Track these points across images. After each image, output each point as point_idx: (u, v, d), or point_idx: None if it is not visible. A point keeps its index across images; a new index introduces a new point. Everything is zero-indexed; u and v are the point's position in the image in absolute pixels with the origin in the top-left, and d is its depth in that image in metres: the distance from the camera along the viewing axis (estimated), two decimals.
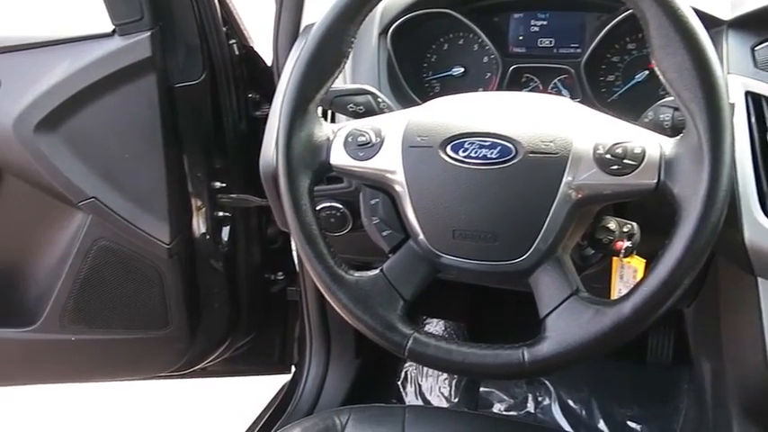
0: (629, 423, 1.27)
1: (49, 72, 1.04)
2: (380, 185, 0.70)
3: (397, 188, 0.68)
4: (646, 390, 1.28)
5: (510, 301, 1.12)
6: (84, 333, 1.19)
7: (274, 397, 1.43)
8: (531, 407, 1.31)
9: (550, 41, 0.91)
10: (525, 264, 0.64)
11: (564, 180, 0.62)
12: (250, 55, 1.18)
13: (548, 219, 0.62)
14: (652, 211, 0.65)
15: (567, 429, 1.24)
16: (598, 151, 0.62)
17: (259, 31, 1.20)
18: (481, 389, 1.34)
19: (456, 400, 1.34)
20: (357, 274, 0.70)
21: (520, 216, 0.63)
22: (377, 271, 0.70)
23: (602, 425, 1.27)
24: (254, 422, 1.37)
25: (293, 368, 1.41)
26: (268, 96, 1.17)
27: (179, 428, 1.73)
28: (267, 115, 0.95)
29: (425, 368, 1.36)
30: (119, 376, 1.34)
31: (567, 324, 0.62)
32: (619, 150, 0.61)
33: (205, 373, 1.40)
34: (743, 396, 0.84)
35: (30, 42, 1.07)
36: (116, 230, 1.11)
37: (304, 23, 1.05)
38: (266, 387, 1.57)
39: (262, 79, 1.17)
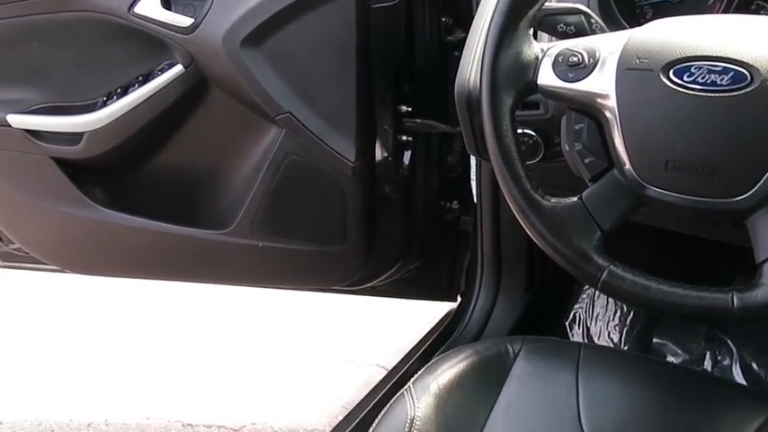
0: None
1: None
2: (588, 110, 0.67)
3: (607, 114, 0.64)
4: None
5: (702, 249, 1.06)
6: (271, 241, 1.27)
7: (439, 323, 1.47)
8: (708, 365, 1.24)
9: None
10: (745, 203, 0.59)
11: None
12: None
13: None
14: None
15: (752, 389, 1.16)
16: None
17: None
18: (655, 340, 1.28)
19: (626, 347, 1.30)
20: (554, 200, 0.68)
21: (747, 150, 0.58)
22: (575, 198, 0.67)
23: None
24: (418, 344, 1.42)
25: (459, 297, 1.43)
26: (461, 21, 1.16)
27: (343, 341, 1.82)
28: (459, 40, 0.94)
29: (595, 310, 1.33)
30: (298, 285, 1.43)
31: None
32: None
33: (374, 291, 1.45)
34: None
35: None
36: (306, 146, 1.16)
37: None
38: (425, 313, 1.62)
39: (456, 3, 1.16)
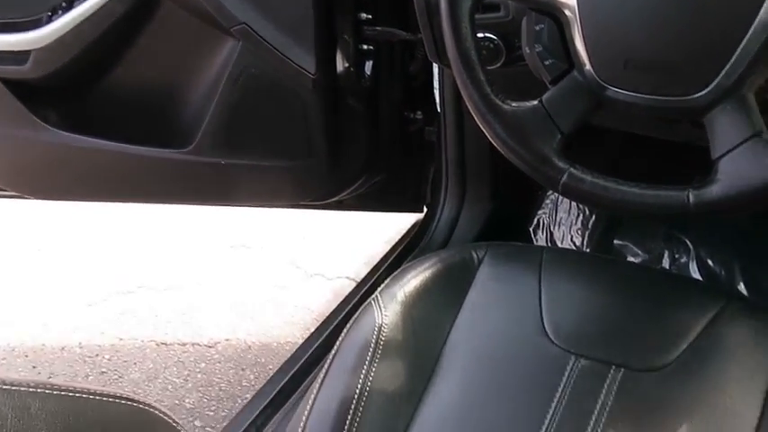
0: None
1: None
2: (548, 9, 0.65)
3: (567, 12, 0.63)
4: None
5: (659, 150, 1.07)
6: (233, 158, 1.25)
7: (406, 233, 1.48)
8: (666, 263, 1.28)
9: None
10: (703, 100, 0.59)
11: (766, 4, 0.55)
12: None
13: (738, 49, 0.56)
14: None
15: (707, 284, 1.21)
16: None
17: None
18: (616, 241, 1.32)
19: (588, 249, 1.33)
20: (515, 104, 0.68)
21: (706, 45, 0.58)
22: (535, 102, 0.67)
23: (741, 287, 1.23)
24: (386, 255, 1.43)
25: (426, 208, 1.44)
26: None
27: (313, 254, 1.84)
28: None
29: (558, 215, 1.35)
30: (263, 201, 1.42)
31: (743, 167, 0.58)
32: None
33: (341, 205, 1.46)
34: None
35: None
36: (264, 58, 1.12)
37: None
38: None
39: None
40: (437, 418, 0.78)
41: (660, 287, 0.85)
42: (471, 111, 0.69)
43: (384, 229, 1.81)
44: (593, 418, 0.73)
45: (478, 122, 0.69)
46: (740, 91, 0.58)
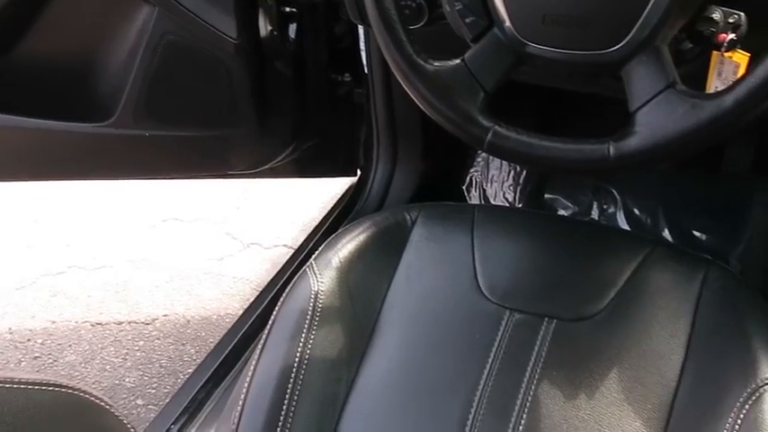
0: (694, 232, 1.27)
1: None
2: None
3: None
4: (716, 200, 1.26)
5: (585, 107, 1.09)
6: (158, 129, 1.21)
7: (340, 198, 1.48)
8: (595, 214, 1.32)
9: None
10: (619, 53, 0.60)
11: None
12: None
13: (650, 2, 0.57)
14: None
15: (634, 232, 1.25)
16: None
17: None
18: (546, 195, 1.34)
19: (520, 205, 1.36)
20: (437, 63, 0.67)
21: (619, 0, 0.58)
22: (458, 61, 0.67)
23: (666, 233, 1.28)
24: (321, 221, 1.43)
25: (359, 171, 1.43)
26: None
27: (249, 225, 1.82)
28: None
29: (490, 172, 1.37)
30: (193, 173, 1.39)
31: (659, 118, 0.59)
32: None
33: (273, 173, 1.44)
34: None
35: None
36: (183, 24, 1.08)
37: None
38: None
39: None
40: (378, 381, 0.79)
41: (588, 239, 0.87)
42: (394, 72, 0.68)
43: (320, 194, 1.80)
44: (529, 369, 0.75)
45: (402, 83, 0.68)
46: (654, 43, 0.59)
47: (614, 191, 1.31)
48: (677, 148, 0.59)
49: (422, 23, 0.86)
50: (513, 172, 1.35)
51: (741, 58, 0.65)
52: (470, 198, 1.39)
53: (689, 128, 0.58)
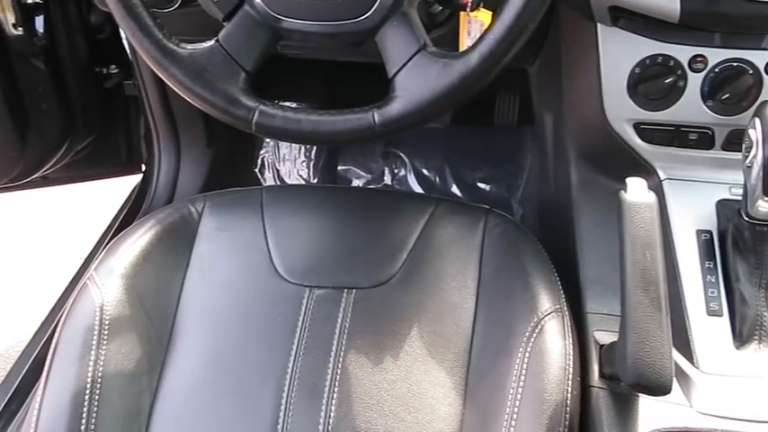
0: (478, 184, 1.35)
1: None
2: None
3: None
4: (494, 152, 1.35)
5: (363, 77, 1.10)
6: None
7: (128, 197, 1.38)
8: (387, 179, 1.35)
9: None
10: (370, 21, 0.61)
11: None
12: None
13: None
14: None
15: (419, 191, 1.29)
16: None
17: None
18: (339, 167, 1.35)
19: (315, 180, 1.36)
20: (191, 47, 0.64)
21: None
22: (212, 42, 0.64)
23: (454, 189, 1.34)
24: (111, 223, 1.33)
25: (143, 166, 1.35)
26: None
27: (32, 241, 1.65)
28: None
29: (281, 152, 1.35)
30: None
31: (415, 81, 0.61)
32: None
33: (47, 181, 1.31)
34: (579, 140, 0.88)
35: None
36: None
37: None
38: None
39: None
40: (184, 384, 0.75)
41: (377, 206, 0.89)
42: (146, 59, 0.64)
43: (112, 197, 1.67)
44: (335, 343, 0.75)
45: (155, 70, 0.64)
46: (401, 8, 0.60)
47: (402, 154, 1.35)
48: (436, 107, 0.61)
49: (175, 7, 0.82)
50: (303, 148, 1.35)
51: (485, 16, 0.69)
52: (265, 180, 1.37)
53: (443, 88, 0.60)
